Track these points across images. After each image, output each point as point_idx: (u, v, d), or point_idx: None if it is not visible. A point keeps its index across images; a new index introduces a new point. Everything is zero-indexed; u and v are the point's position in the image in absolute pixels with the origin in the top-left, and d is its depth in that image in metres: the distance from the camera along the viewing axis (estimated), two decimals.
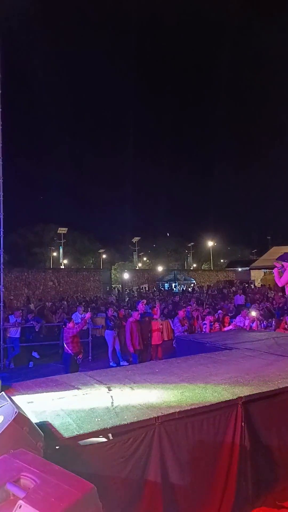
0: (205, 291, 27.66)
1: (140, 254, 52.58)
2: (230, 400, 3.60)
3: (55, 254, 47.60)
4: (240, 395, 3.68)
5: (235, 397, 3.63)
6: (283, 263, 6.27)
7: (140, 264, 52.49)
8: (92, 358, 11.21)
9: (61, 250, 42.66)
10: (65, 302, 21.60)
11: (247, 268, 37.36)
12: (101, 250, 54.10)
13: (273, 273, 6.68)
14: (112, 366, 9.39)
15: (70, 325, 7.74)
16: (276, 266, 6.42)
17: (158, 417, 3.21)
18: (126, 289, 34.00)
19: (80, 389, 4.15)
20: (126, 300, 25.19)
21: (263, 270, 31.83)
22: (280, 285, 6.33)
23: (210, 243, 53.55)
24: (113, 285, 38.33)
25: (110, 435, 3.01)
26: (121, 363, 9.89)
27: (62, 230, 41.45)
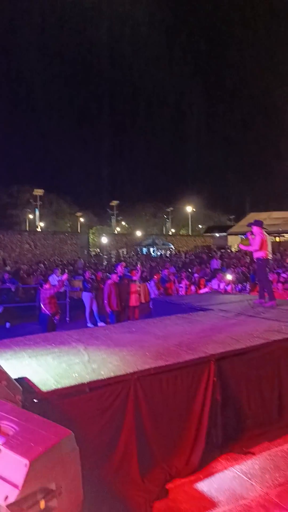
0: (183, 256, 27.99)
1: (118, 218, 52.21)
2: (203, 357, 3.75)
3: (31, 216, 46.64)
4: (213, 353, 3.83)
5: (208, 354, 3.79)
6: (252, 228, 6.49)
7: (118, 229, 52.25)
8: (70, 320, 11.33)
9: (37, 213, 41.77)
10: (42, 265, 21.45)
11: (225, 233, 37.81)
12: (79, 214, 53.34)
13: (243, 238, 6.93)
14: (90, 327, 9.53)
15: (46, 286, 7.74)
16: (247, 236, 6.67)
17: (134, 372, 3.33)
18: (98, 252, 34.04)
19: (58, 347, 4.22)
20: (104, 264, 25.26)
21: (240, 236, 32.31)
22: (253, 249, 6.52)
23: (188, 209, 53.59)
24: (91, 249, 38.21)
25: (87, 389, 3.11)
26: (99, 324, 10.04)
27: (38, 192, 40.38)
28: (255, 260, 6.91)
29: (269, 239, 6.63)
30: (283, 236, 32.99)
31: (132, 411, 3.24)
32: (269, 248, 6.53)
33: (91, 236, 41.17)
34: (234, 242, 33.06)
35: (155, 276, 10.66)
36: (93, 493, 2.69)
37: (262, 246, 6.43)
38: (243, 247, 6.89)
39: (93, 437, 3.01)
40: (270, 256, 6.53)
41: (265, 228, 6.69)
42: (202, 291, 10.22)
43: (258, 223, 6.60)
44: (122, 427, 3.18)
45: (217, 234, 42.97)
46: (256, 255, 6.60)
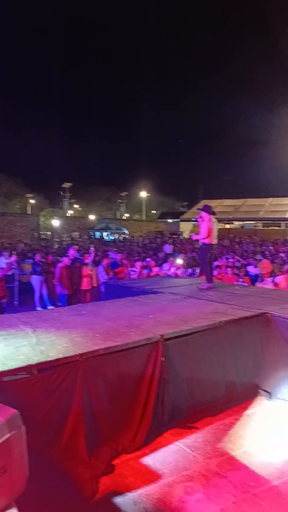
0: (136, 241, 28.12)
1: (71, 201, 51.08)
2: (152, 337, 3.84)
3: None
4: (162, 333, 3.94)
5: (157, 335, 3.89)
6: (201, 213, 6.78)
7: (71, 212, 51.17)
8: (19, 304, 11.04)
9: None
10: None
11: (177, 220, 38.44)
12: (29, 195, 51.49)
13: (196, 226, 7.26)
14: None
15: None
16: (197, 220, 7.00)
17: (83, 353, 3.34)
18: (47, 236, 33.35)
19: (5, 330, 4.11)
20: (56, 247, 24.75)
21: (192, 222, 33.03)
22: (202, 236, 6.76)
23: (143, 194, 53.64)
24: (42, 232, 37.15)
25: (35, 370, 3.08)
26: (48, 307, 9.89)
27: None
28: (200, 244, 7.22)
29: (216, 224, 6.94)
30: (233, 223, 34.19)
31: (80, 391, 3.26)
32: (215, 233, 6.86)
33: (42, 219, 39.97)
34: (186, 228, 33.77)
35: (103, 260, 10.64)
36: (41, 472, 2.70)
37: (209, 233, 6.72)
38: (194, 237, 7.40)
39: (41, 418, 3.00)
40: (215, 242, 6.88)
41: (214, 214, 6.93)
42: (153, 275, 10.39)
43: (207, 209, 6.85)
44: (70, 408, 3.20)
45: (170, 220, 43.54)
46: (202, 240, 6.87)
